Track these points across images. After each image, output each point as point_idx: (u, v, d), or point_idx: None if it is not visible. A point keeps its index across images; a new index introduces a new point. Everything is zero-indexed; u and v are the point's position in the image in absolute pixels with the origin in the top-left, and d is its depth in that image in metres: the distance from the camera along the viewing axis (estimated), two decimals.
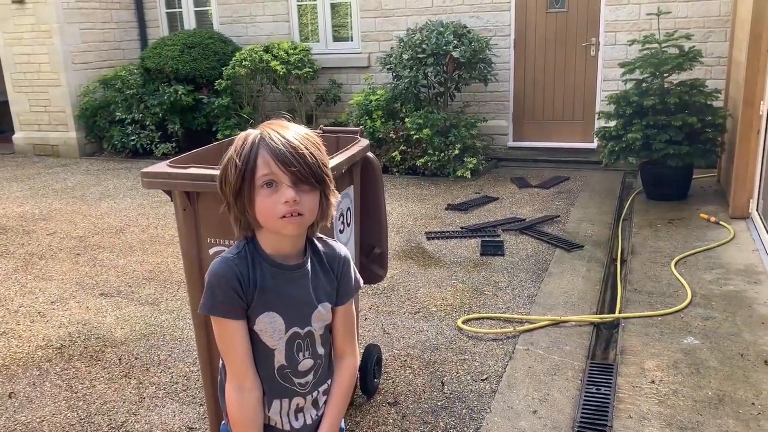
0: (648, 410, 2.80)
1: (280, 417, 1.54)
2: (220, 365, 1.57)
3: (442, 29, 7.08)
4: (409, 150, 7.14)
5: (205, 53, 8.56)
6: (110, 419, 2.94)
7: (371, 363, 3.00)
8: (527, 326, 3.64)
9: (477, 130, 7.27)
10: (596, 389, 3.01)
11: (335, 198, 1.48)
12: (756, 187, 4.99)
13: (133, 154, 8.75)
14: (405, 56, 7.11)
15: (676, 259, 4.42)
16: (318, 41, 8.77)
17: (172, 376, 3.29)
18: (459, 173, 6.95)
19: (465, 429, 2.77)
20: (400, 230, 5.40)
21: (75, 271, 4.78)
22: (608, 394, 2.95)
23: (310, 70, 8.18)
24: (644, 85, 5.80)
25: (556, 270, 4.44)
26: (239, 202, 1.42)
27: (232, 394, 1.48)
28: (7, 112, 9.59)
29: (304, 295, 1.50)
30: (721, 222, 5.06)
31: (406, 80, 7.08)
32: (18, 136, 9.47)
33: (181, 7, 9.54)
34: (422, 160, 7.02)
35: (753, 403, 2.80)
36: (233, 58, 8.20)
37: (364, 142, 2.86)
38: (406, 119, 7.17)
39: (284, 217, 1.38)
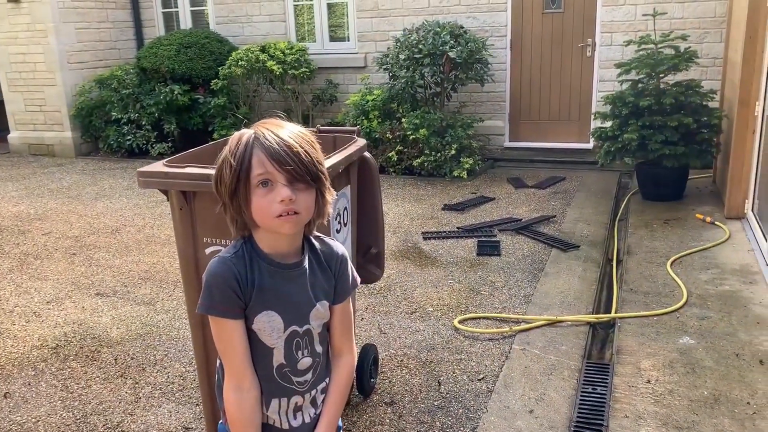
0: (644, 410, 2.80)
1: (279, 416, 1.53)
2: (218, 365, 1.57)
3: (438, 29, 7.09)
4: (405, 150, 7.14)
5: (201, 53, 8.55)
6: (106, 419, 2.93)
7: (368, 363, 2.99)
8: (523, 326, 3.64)
9: (473, 131, 7.27)
10: (592, 389, 3.01)
11: (331, 196, 1.48)
12: (751, 187, 5.00)
13: (129, 153, 8.73)
14: (401, 56, 7.12)
15: (672, 259, 4.43)
16: (314, 41, 8.76)
17: (168, 376, 3.28)
18: (455, 173, 6.95)
19: (461, 429, 2.77)
20: (396, 230, 5.40)
21: (70, 270, 4.77)
22: (604, 394, 2.96)
23: (307, 70, 8.17)
24: (640, 85, 5.81)
25: (553, 270, 4.45)
26: (235, 202, 1.41)
27: (231, 393, 1.48)
28: (2, 111, 9.58)
29: (302, 294, 1.50)
30: (716, 222, 5.07)
31: (402, 80, 7.09)
32: (13, 136, 9.44)
33: (177, 7, 9.52)
34: (419, 160, 7.02)
35: (748, 403, 2.81)
36: (229, 58, 8.19)
37: (361, 141, 2.86)
38: (403, 119, 7.18)
39: (281, 216, 1.38)
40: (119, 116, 8.57)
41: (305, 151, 1.39)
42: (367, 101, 7.54)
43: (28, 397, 3.13)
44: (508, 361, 3.28)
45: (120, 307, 4.12)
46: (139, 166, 3.18)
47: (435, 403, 2.96)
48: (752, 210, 4.97)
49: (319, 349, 1.56)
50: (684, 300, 3.80)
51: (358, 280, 1.64)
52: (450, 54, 6.84)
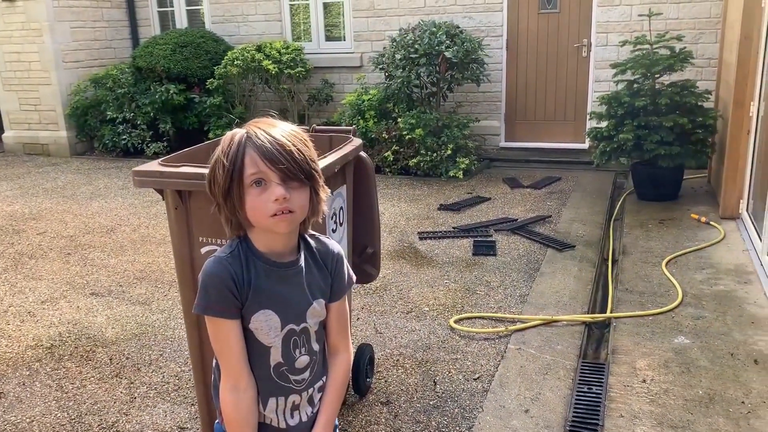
0: (639, 409, 2.81)
1: (276, 415, 1.53)
2: (214, 365, 1.57)
3: (434, 29, 7.09)
4: (401, 150, 7.14)
5: (196, 52, 8.53)
6: (101, 419, 2.92)
7: (364, 362, 2.99)
8: (519, 326, 3.65)
9: (469, 131, 7.28)
10: (588, 388, 3.02)
11: (325, 193, 1.47)
12: (746, 187, 5.02)
13: (124, 153, 8.70)
14: (397, 56, 7.12)
15: (667, 259, 4.44)
16: (310, 41, 8.75)
17: (163, 376, 3.28)
18: (451, 173, 6.96)
19: (457, 428, 2.77)
20: (392, 230, 5.40)
21: (65, 270, 4.76)
22: (600, 394, 2.96)
23: (303, 69, 8.16)
24: (636, 85, 5.83)
25: (548, 270, 4.45)
26: (229, 202, 1.41)
27: (227, 393, 1.48)
28: None
29: (298, 292, 1.50)
30: (711, 222, 5.09)
31: (398, 80, 7.09)
32: (8, 135, 9.40)
33: (172, 6, 9.50)
34: (415, 160, 7.02)
35: (743, 402, 2.82)
36: (225, 58, 8.17)
37: (357, 141, 2.85)
38: (399, 119, 7.18)
39: (275, 215, 1.38)
40: (114, 115, 8.54)
41: (298, 149, 1.39)
42: (363, 101, 7.53)
43: (23, 397, 3.12)
44: (503, 361, 3.29)
45: (115, 307, 4.11)
46: (134, 165, 3.18)
47: (431, 403, 2.96)
48: (747, 210, 4.98)
49: (315, 347, 1.56)
50: (679, 300, 3.81)
51: (354, 278, 1.64)
52: (446, 54, 6.84)
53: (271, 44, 8.14)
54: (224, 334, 1.45)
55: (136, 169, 2.36)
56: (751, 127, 4.92)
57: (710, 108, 5.90)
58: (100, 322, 3.91)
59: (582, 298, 4.00)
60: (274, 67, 7.86)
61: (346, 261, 1.61)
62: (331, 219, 2.67)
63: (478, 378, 3.15)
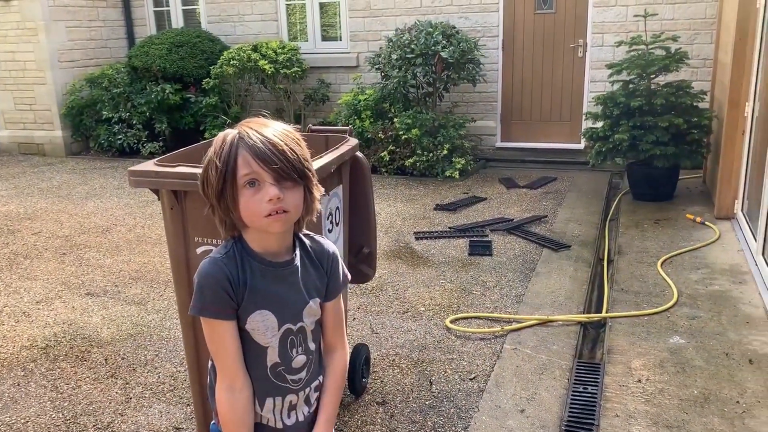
0: (635, 409, 2.81)
1: (273, 415, 1.53)
2: (209, 365, 1.57)
3: (430, 29, 7.09)
4: (397, 150, 7.14)
5: (192, 52, 8.52)
6: (96, 420, 2.92)
7: (360, 362, 2.99)
8: (515, 326, 3.65)
9: (465, 131, 7.28)
10: (583, 388, 3.02)
11: (319, 192, 1.47)
12: (741, 187, 5.03)
13: (120, 153, 8.68)
14: (394, 56, 7.12)
15: (663, 259, 4.45)
16: (306, 41, 8.75)
17: (159, 376, 3.27)
18: (447, 173, 6.96)
19: (453, 428, 2.78)
20: (388, 230, 5.40)
21: (61, 270, 4.74)
22: (595, 393, 2.97)
23: (299, 69, 8.16)
24: (631, 86, 5.84)
25: (544, 270, 4.46)
26: (222, 203, 1.41)
27: (223, 394, 1.47)
28: None
29: (294, 292, 1.50)
30: (706, 222, 5.10)
31: (394, 80, 7.09)
32: (2, 135, 9.37)
33: (168, 6, 9.48)
34: (411, 160, 7.03)
35: (738, 402, 2.82)
36: (221, 57, 8.16)
37: (353, 141, 2.85)
38: (395, 119, 7.18)
39: (269, 215, 1.38)
40: (110, 115, 8.53)
41: (290, 148, 1.38)
42: (360, 101, 7.53)
43: (18, 398, 3.11)
44: (499, 361, 3.29)
45: (110, 307, 4.10)
46: (130, 165, 3.17)
47: (427, 403, 2.96)
48: (742, 210, 5.00)
49: (312, 346, 1.56)
50: (674, 300, 3.82)
51: (349, 276, 1.65)
52: (442, 54, 6.85)
53: (267, 44, 8.14)
54: (220, 335, 1.44)
55: (132, 169, 2.36)
56: (746, 128, 4.93)
57: (705, 108, 5.91)
58: (96, 322, 3.90)
59: (577, 298, 4.01)
60: (270, 67, 7.85)
61: (341, 259, 1.62)
62: (327, 219, 2.67)
63: (473, 378, 3.15)
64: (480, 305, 3.96)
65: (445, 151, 6.93)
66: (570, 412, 2.84)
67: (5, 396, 3.13)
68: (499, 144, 8.07)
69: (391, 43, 7.30)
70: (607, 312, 3.80)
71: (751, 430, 2.63)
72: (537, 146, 7.91)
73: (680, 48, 6.00)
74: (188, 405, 2.99)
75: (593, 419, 2.77)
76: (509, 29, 7.76)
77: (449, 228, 5.40)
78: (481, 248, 4.88)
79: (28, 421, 2.92)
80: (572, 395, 2.97)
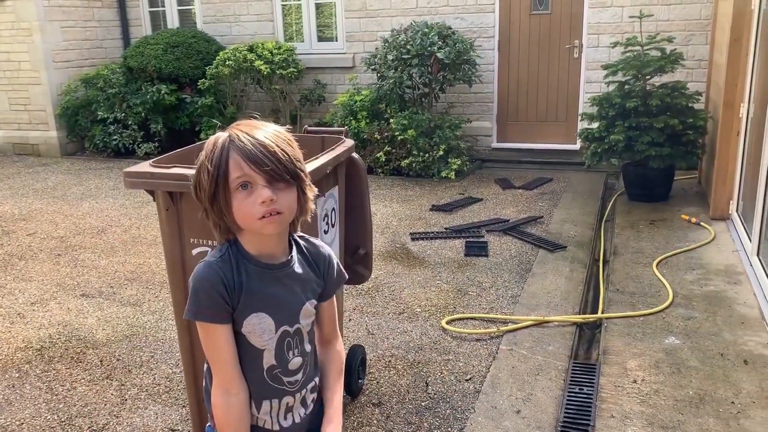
0: (630, 410, 2.82)
1: (270, 417, 1.53)
2: (205, 369, 1.56)
3: (426, 30, 7.10)
4: (393, 151, 7.14)
5: (188, 52, 8.50)
6: (91, 421, 2.91)
7: (356, 364, 2.99)
8: (511, 326, 3.65)
9: (461, 131, 7.29)
10: (579, 389, 3.03)
11: (312, 192, 1.47)
12: (736, 188, 5.05)
13: (115, 153, 8.66)
14: (390, 57, 7.12)
15: (658, 259, 4.46)
16: (302, 41, 8.74)
17: (154, 378, 3.26)
18: (443, 174, 6.97)
19: (449, 429, 2.78)
20: (384, 231, 5.40)
21: (55, 271, 4.73)
22: (591, 394, 2.97)
23: (295, 70, 8.15)
24: (626, 87, 5.85)
25: (540, 270, 4.46)
26: (216, 207, 1.40)
27: (219, 398, 1.47)
28: None
29: (291, 294, 1.50)
30: (701, 223, 5.12)
31: (390, 81, 7.09)
32: None
33: (164, 6, 9.46)
34: (407, 161, 7.03)
35: (733, 402, 2.83)
36: (217, 58, 8.15)
37: (349, 142, 2.85)
38: (391, 120, 7.18)
39: (263, 217, 1.37)
40: (105, 116, 8.50)
41: (282, 149, 1.38)
42: (355, 102, 7.53)
43: (12, 399, 3.09)
44: (495, 362, 3.29)
45: (106, 308, 4.09)
46: (125, 166, 3.17)
47: (422, 404, 2.96)
48: (737, 211, 5.01)
49: (308, 348, 1.56)
50: (670, 300, 3.83)
51: (345, 274, 1.65)
52: (438, 55, 6.85)
53: (263, 44, 8.13)
54: (215, 338, 1.44)
55: (127, 170, 2.35)
56: (741, 129, 4.95)
57: (700, 109, 5.93)
58: (91, 323, 3.89)
59: (573, 299, 4.01)
60: (266, 68, 7.84)
61: (336, 259, 1.62)
62: (323, 220, 2.67)
63: (469, 379, 3.15)
64: (476, 306, 3.96)
65: (441, 152, 6.94)
66: (566, 412, 2.85)
67: (0, 398, 3.11)
68: (494, 145, 8.08)
69: (387, 44, 7.30)
70: (602, 313, 3.80)
71: (746, 431, 2.64)
72: (533, 147, 7.92)
73: (675, 49, 6.02)
74: (184, 406, 2.99)
75: (589, 420, 2.77)
76: (505, 30, 7.77)
77: (445, 229, 5.40)
78: (477, 249, 4.89)
79: (23, 423, 2.91)
80: (568, 396, 2.98)
